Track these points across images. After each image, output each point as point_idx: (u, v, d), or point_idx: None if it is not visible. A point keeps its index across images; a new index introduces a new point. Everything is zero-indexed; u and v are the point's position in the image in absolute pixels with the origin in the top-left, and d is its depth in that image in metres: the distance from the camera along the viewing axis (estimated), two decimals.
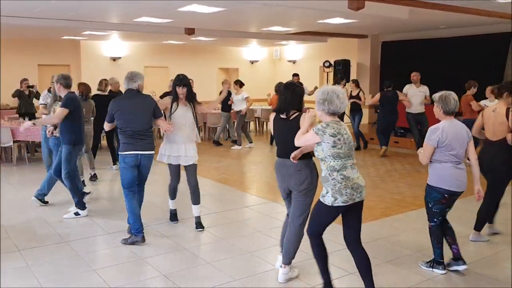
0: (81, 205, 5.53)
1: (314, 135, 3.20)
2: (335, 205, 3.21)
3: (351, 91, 10.78)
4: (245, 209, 6.12)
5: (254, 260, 4.27)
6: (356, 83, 10.79)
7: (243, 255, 4.38)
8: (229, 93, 10.35)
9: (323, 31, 11.81)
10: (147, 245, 4.64)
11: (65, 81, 5.38)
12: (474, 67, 11.02)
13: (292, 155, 3.53)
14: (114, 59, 14.41)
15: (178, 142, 4.89)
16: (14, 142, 8.57)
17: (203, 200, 6.44)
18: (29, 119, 9.45)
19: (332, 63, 13.56)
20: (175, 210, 5.41)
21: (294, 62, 16.78)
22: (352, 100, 10.38)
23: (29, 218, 5.47)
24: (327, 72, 13.92)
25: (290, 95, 3.65)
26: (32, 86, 10.63)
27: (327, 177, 3.23)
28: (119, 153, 4.65)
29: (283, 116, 3.68)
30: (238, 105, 10.95)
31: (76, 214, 5.49)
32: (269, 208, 6.07)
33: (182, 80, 4.95)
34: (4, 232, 4.93)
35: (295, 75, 11.43)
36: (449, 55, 11.57)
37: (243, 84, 11.15)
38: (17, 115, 10.34)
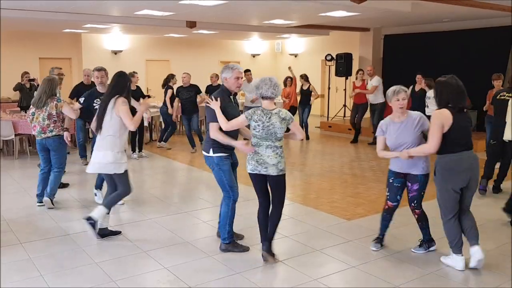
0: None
1: (245, 118, 3.92)
2: (247, 171, 4.03)
3: (302, 85, 11.15)
4: (246, 202, 6.11)
5: (257, 253, 4.26)
6: (305, 78, 11.11)
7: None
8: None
9: (325, 24, 11.75)
10: (149, 238, 4.65)
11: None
12: (477, 61, 10.97)
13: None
14: (115, 53, 14.38)
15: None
16: (15, 135, 8.57)
17: (203, 194, 6.46)
18: None
19: (334, 56, 13.51)
20: None
21: (295, 55, 16.73)
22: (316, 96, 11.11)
23: (30, 211, 5.48)
24: (329, 66, 13.87)
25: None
26: (33, 80, 10.62)
27: None
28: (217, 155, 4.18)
29: None
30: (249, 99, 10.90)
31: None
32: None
33: None
34: (6, 225, 4.94)
35: (247, 71, 10.68)
36: (452, 49, 11.51)
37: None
38: (18, 109, 10.33)
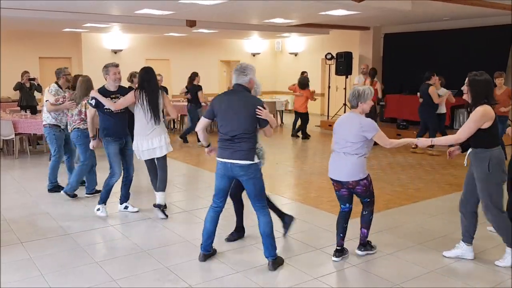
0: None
1: None
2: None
3: None
4: (246, 201, 6.11)
5: (257, 252, 4.27)
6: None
7: (245, 247, 4.38)
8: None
9: (325, 23, 11.74)
10: (149, 237, 4.65)
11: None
12: (477, 59, 10.94)
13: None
14: (115, 52, 14.38)
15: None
16: (15, 134, 8.57)
17: (203, 193, 6.45)
18: (31, 113, 9.45)
19: (334, 55, 13.50)
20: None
21: (296, 54, 16.72)
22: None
23: (31, 211, 5.48)
24: (329, 65, 13.86)
25: None
26: (34, 79, 10.62)
27: None
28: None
29: None
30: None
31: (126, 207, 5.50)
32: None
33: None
34: (6, 225, 4.94)
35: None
36: (452, 47, 11.50)
37: None
38: (19, 108, 10.33)
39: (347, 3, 7.27)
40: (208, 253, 4.08)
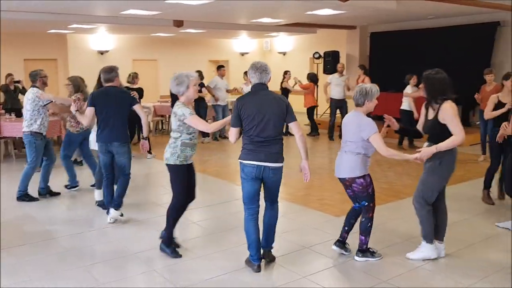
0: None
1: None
2: None
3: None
4: (236, 201, 6.11)
5: (243, 253, 4.27)
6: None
7: (234, 248, 4.38)
8: (201, 84, 10.36)
9: (313, 22, 11.79)
10: (137, 240, 4.63)
11: (102, 74, 5.15)
12: (462, 57, 11.08)
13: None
14: (101, 53, 14.28)
15: None
16: (0, 138, 8.46)
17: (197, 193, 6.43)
18: (16, 116, 9.34)
19: (322, 54, 13.55)
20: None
21: (284, 53, 16.75)
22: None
23: (17, 215, 5.42)
24: (317, 64, 13.90)
25: None
26: (19, 81, 10.48)
27: None
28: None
29: None
30: None
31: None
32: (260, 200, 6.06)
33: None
34: None
35: (221, 66, 11.16)
36: (437, 45, 11.60)
37: None
38: (3, 111, 10.20)
39: (333, 2, 7.31)
40: (261, 261, 3.93)
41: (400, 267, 3.93)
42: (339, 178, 4.05)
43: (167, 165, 4.12)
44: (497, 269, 3.87)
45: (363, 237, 4.06)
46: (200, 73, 10.52)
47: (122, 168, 5.11)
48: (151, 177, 7.42)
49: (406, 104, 9.27)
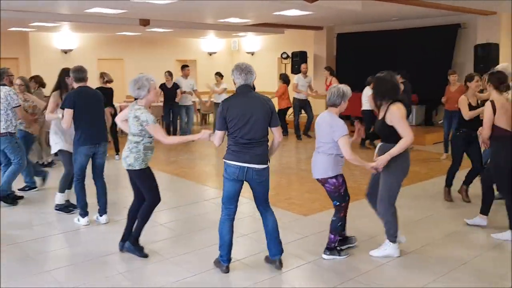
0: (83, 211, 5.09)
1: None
2: None
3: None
4: (204, 202, 6.09)
5: (213, 254, 4.25)
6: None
7: (202, 249, 4.36)
8: (176, 86, 10.28)
9: (280, 22, 11.85)
10: (103, 243, 4.54)
11: (74, 74, 4.91)
12: (425, 58, 11.39)
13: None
14: (65, 52, 13.91)
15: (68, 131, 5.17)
16: None
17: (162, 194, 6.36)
18: None
19: (290, 54, 13.65)
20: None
21: (252, 53, 16.77)
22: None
23: None
24: (285, 64, 13.99)
25: None
26: None
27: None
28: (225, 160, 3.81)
29: None
30: (219, 97, 10.97)
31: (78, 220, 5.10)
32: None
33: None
34: None
35: (185, 66, 11.10)
36: (401, 46, 11.88)
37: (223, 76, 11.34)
38: None
39: (300, 3, 7.37)
40: (229, 262, 3.91)
41: (367, 265, 4.01)
42: (316, 179, 4.11)
43: (132, 171, 4.06)
44: (458, 265, 4.00)
45: (332, 236, 4.12)
46: (170, 73, 10.44)
47: (101, 168, 5.07)
48: (117, 179, 7.29)
49: (367, 104, 9.44)
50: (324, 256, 4.14)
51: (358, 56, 12.75)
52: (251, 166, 3.69)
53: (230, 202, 3.84)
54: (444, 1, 8.43)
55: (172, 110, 10.41)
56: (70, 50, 13.97)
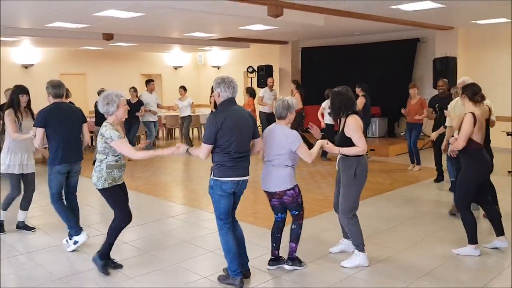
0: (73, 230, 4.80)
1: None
2: None
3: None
4: (170, 219, 6.00)
5: (179, 271, 4.19)
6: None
7: (168, 267, 4.28)
8: (141, 102, 10.15)
9: (246, 37, 11.96)
10: (66, 263, 4.39)
11: (53, 89, 4.69)
12: (386, 72, 11.71)
13: None
14: (26, 67, 13.55)
15: (22, 151, 5.04)
16: None
17: None
18: None
19: (256, 68, 13.76)
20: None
21: (218, 67, 16.81)
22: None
23: None
24: (251, 78, 14.09)
25: None
26: None
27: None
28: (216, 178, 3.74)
29: None
30: (184, 110, 11.00)
31: (75, 242, 4.76)
32: (195, 216, 6.00)
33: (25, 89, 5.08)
34: None
35: (150, 81, 10.92)
36: (363, 60, 12.19)
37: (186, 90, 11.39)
38: None
39: (265, 18, 7.46)
40: (244, 274, 3.87)
41: (336, 276, 4.03)
42: (267, 192, 4.07)
43: (98, 189, 4.00)
44: (422, 274, 4.08)
45: (294, 244, 4.14)
46: (135, 89, 10.25)
47: (74, 187, 4.93)
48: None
49: (327, 117, 9.58)
50: (287, 266, 4.15)
51: (322, 69, 12.99)
52: (243, 178, 3.77)
53: (228, 217, 3.85)
54: (403, 16, 8.72)
55: (131, 126, 10.18)
56: (31, 65, 13.62)
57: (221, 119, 3.61)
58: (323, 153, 9.81)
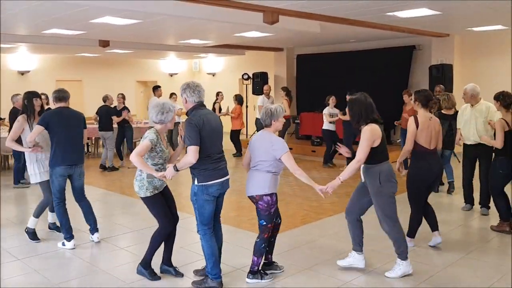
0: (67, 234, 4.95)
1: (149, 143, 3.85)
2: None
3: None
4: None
5: (177, 277, 4.17)
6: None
7: (164, 273, 4.26)
8: (127, 109, 10.18)
9: (241, 44, 12.00)
10: (61, 268, 4.37)
11: (54, 93, 4.94)
12: (382, 79, 11.76)
13: None
14: (22, 73, 13.55)
15: (42, 158, 5.00)
16: None
17: (123, 219, 6.22)
18: None
19: (251, 75, 13.80)
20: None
21: (213, 74, 16.86)
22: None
23: None
24: (246, 85, 14.13)
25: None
26: None
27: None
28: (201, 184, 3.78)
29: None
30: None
31: (63, 244, 4.95)
32: (192, 223, 5.98)
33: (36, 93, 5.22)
34: None
35: (157, 87, 11.38)
36: (359, 67, 12.24)
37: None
38: None
39: (260, 25, 7.50)
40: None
41: (332, 282, 4.03)
42: (249, 197, 4.02)
43: (140, 197, 4.01)
44: (421, 280, 4.09)
45: (255, 258, 4.02)
46: (123, 95, 10.32)
47: (81, 190, 5.01)
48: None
49: (327, 123, 9.66)
50: (248, 280, 4.03)
51: (317, 76, 13.04)
52: (226, 178, 3.87)
53: (211, 221, 3.89)
54: (398, 23, 8.79)
55: (125, 132, 10.21)
56: (27, 72, 13.62)
57: (200, 121, 3.68)
58: (326, 160, 9.83)
